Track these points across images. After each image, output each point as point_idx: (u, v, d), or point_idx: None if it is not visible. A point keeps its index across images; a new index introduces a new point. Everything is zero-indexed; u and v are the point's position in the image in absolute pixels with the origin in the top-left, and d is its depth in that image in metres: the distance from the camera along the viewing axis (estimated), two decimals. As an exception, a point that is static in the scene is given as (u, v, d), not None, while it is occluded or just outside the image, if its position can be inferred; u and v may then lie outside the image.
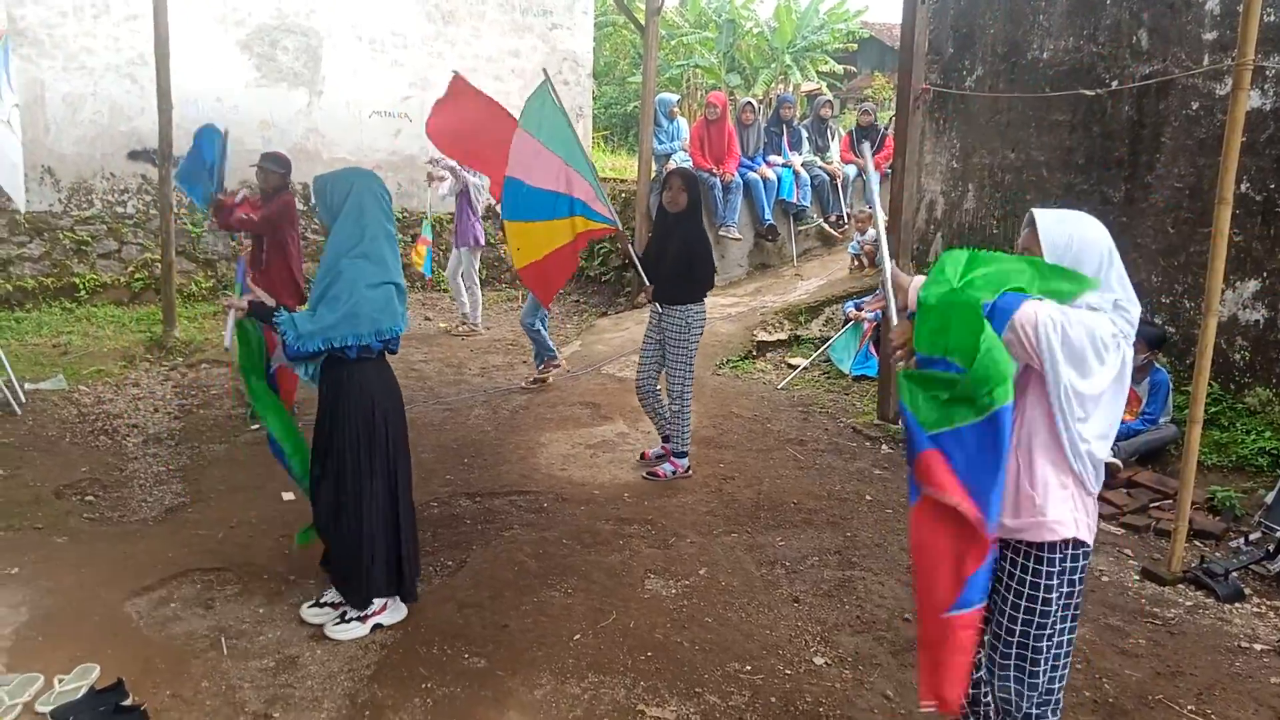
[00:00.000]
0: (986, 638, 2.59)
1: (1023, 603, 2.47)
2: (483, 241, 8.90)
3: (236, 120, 9.70)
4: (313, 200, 3.55)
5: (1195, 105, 6.02)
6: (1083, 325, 2.29)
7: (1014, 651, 2.50)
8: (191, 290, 9.43)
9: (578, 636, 3.70)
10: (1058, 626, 2.48)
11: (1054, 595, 2.46)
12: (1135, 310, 2.40)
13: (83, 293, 9.18)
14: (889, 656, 3.65)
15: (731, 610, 3.97)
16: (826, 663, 3.59)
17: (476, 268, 9.11)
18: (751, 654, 3.63)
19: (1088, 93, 5.66)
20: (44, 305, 8.95)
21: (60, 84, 8.90)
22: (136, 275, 9.47)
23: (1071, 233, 2.41)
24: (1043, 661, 2.48)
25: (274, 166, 6.15)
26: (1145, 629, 3.95)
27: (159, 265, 8.49)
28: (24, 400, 6.26)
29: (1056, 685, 2.53)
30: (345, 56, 10.30)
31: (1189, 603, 4.22)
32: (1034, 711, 2.50)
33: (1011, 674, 2.50)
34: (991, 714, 2.62)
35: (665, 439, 5.55)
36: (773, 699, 3.34)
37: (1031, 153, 7.40)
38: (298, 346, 3.39)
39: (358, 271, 3.43)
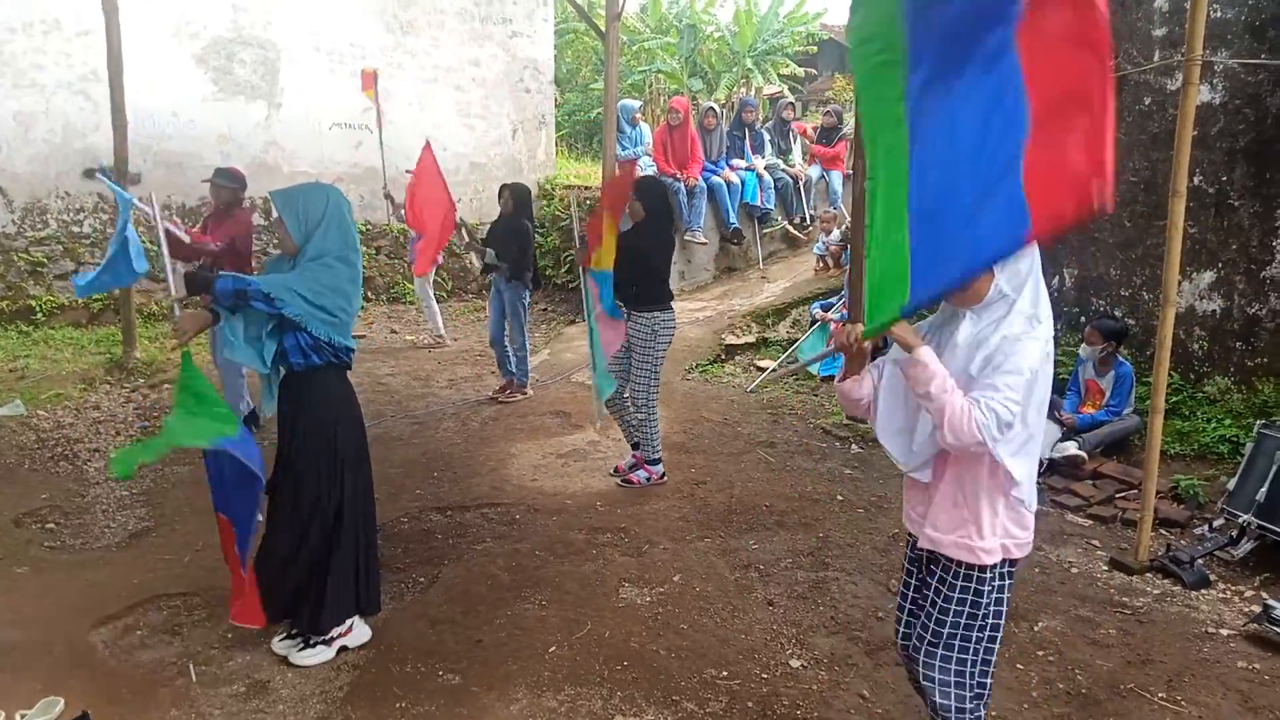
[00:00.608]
0: (915, 629, 2.66)
1: (952, 609, 2.52)
2: (439, 259, 9.07)
3: (194, 135, 9.62)
4: (274, 215, 3.42)
5: (1148, 100, 6.12)
6: (1012, 394, 2.27)
7: (940, 653, 2.55)
8: (152, 310, 9.27)
9: (553, 649, 3.68)
10: (988, 629, 2.55)
11: (986, 605, 2.52)
12: (1049, 319, 2.39)
13: (39, 315, 8.99)
14: (864, 656, 3.66)
15: (706, 616, 3.96)
16: (802, 665, 3.60)
17: (430, 282, 9.10)
18: (728, 659, 3.62)
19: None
20: (-1, 329, 8.77)
21: (10, 102, 8.72)
22: (95, 297, 9.29)
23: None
24: (971, 663, 2.55)
25: (226, 182, 6.05)
26: (1115, 619, 4.00)
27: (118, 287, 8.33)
28: (-20, 427, 6.12)
29: (988, 679, 2.62)
30: (304, 68, 10.19)
31: (1157, 591, 4.28)
32: (968, 708, 2.56)
33: (938, 672, 2.55)
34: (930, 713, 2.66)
35: (635, 446, 5.54)
36: (750, 704, 3.34)
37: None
38: (278, 299, 3.25)
39: (340, 275, 3.39)
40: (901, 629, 2.77)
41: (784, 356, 8.01)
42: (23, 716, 3.13)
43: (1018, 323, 2.33)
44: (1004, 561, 2.50)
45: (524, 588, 4.19)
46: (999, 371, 2.29)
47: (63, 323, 9.07)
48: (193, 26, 9.53)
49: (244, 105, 9.94)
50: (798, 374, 7.66)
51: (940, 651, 2.54)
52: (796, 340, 8.16)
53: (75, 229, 9.30)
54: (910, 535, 2.70)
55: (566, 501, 5.26)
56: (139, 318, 8.37)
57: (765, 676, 3.52)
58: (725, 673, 3.53)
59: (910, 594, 2.75)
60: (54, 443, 6.10)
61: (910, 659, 2.69)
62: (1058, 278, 6.90)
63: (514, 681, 3.45)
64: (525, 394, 7.26)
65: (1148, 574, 4.43)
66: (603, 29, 9.63)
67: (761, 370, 7.91)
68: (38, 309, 8.99)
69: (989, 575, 2.49)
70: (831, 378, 7.53)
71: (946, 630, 2.53)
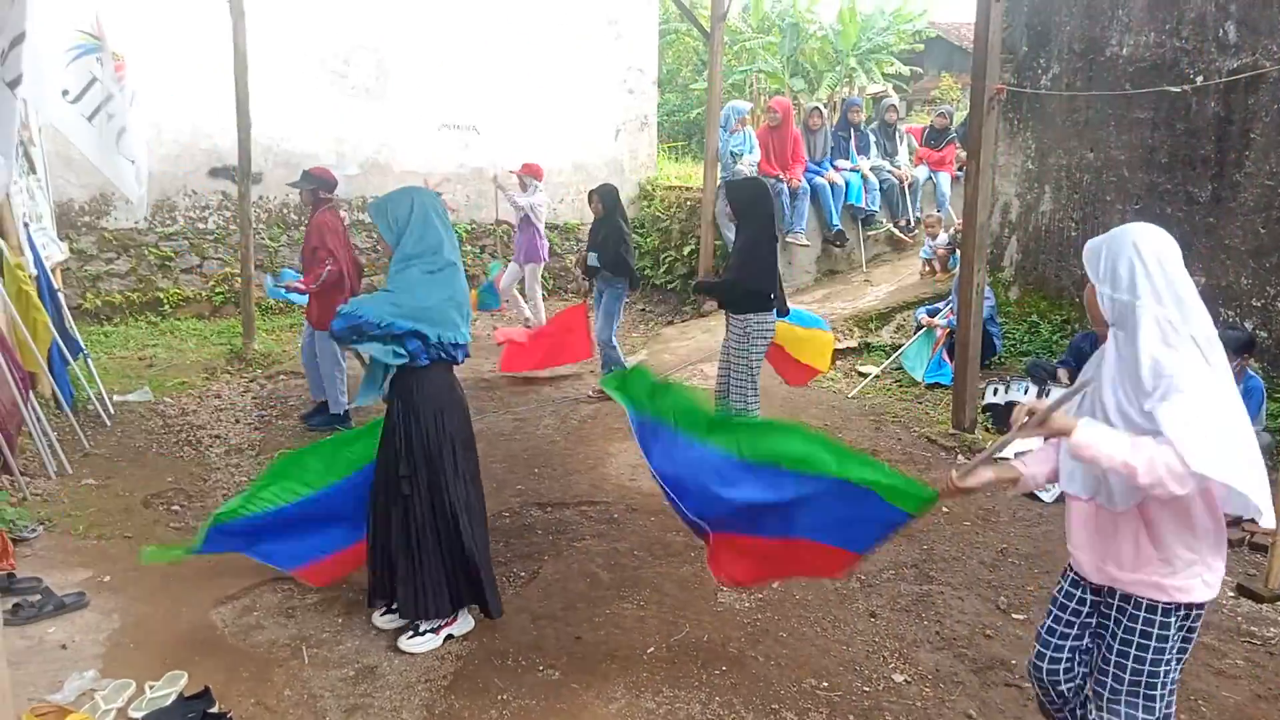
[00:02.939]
0: (1093, 674, 2.49)
1: (1133, 653, 2.34)
2: (547, 257, 9.30)
3: (312, 135, 9.99)
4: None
5: (1288, 100, 5.77)
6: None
7: (1126, 696, 2.37)
8: (269, 304, 9.68)
9: (651, 650, 3.69)
10: (1174, 666, 2.37)
11: (1170, 647, 2.33)
12: (1189, 312, 2.21)
13: (166, 307, 9.50)
14: (971, 675, 3.55)
15: (806, 625, 3.91)
16: (906, 680, 3.51)
17: (539, 279, 9.26)
18: (828, 670, 3.57)
19: (1174, 89, 5.47)
20: (130, 319, 9.29)
21: (144, 105, 9.22)
22: (217, 289, 9.77)
23: (1100, 250, 2.34)
24: (1159, 697, 2.37)
25: (303, 184, 6.32)
26: (1242, 649, 3.78)
27: (238, 279, 8.75)
28: (113, 412, 6.49)
29: (1171, 710, 2.44)
30: (414, 70, 10.47)
31: (1290, 622, 4.03)
32: None
33: (1125, 712, 2.38)
34: None
35: None
36: (851, 717, 3.28)
37: (1111, 152, 7.17)
38: (386, 322, 3.40)
39: (421, 279, 3.48)
40: (1045, 664, 2.58)
41: (887, 362, 7.85)
42: (151, 687, 3.30)
43: (1152, 333, 2.20)
44: (1194, 603, 2.30)
45: (623, 587, 4.21)
46: (1163, 400, 2.13)
47: (188, 314, 9.57)
48: (312, 31, 9.89)
49: (358, 106, 10.27)
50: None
51: (1125, 696, 2.36)
52: (901, 346, 7.98)
53: (200, 225, 9.78)
54: (1074, 568, 2.50)
55: (665, 502, 5.24)
56: (257, 311, 8.75)
57: (867, 690, 3.45)
58: (825, 683, 3.48)
59: (1062, 629, 2.55)
60: (179, 428, 6.43)
61: (1048, 691, 2.56)
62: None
63: (612, 680, 3.47)
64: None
65: (1278, 602, 4.17)
66: (707, 29, 9.64)
67: (863, 376, 7.77)
68: (165, 301, 9.50)
69: (1174, 617, 2.30)
70: (936, 385, 7.35)
71: (1129, 675, 2.34)
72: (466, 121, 10.82)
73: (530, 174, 9.01)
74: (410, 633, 3.69)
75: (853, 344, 8.43)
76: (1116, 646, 2.38)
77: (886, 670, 3.58)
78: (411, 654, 3.61)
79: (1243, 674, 3.59)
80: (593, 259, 7.11)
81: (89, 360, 6.60)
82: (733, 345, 5.28)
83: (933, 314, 7.89)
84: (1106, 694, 2.41)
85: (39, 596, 3.85)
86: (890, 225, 10.58)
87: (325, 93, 10.07)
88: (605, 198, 7.28)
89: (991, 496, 5.40)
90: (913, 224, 10.55)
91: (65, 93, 5.96)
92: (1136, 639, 2.33)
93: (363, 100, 10.30)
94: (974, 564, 4.52)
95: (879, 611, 4.03)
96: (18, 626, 3.66)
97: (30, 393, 5.55)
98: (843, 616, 3.99)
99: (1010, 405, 6.41)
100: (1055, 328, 7.77)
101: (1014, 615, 4.04)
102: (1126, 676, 2.36)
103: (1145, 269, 2.23)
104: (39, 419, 5.39)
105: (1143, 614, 2.33)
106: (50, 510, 4.90)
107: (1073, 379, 6.47)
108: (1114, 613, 2.40)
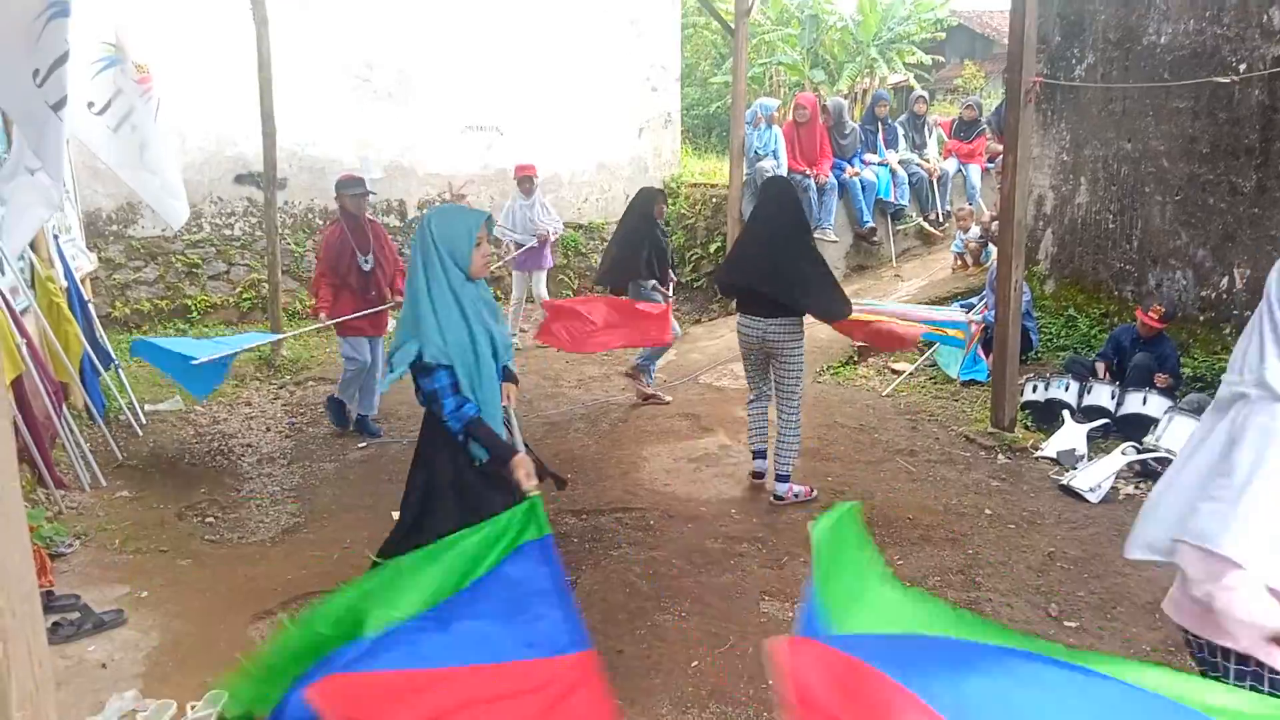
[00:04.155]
0: None
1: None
2: (552, 263, 9.31)
3: (335, 140, 9.97)
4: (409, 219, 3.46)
5: (1338, 85, 5.60)
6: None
7: None
8: (296, 309, 9.68)
9: (695, 663, 3.61)
10: None
11: None
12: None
13: (194, 313, 9.52)
14: (1025, 687, 3.45)
15: (853, 635, 3.82)
16: (958, 693, 3.41)
17: (544, 285, 9.13)
18: (878, 683, 3.47)
19: (1222, 80, 5.31)
20: (159, 326, 9.30)
21: (169, 114, 9.22)
22: (244, 295, 9.78)
23: None
24: None
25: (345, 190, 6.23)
26: None
27: (265, 285, 8.74)
28: (144, 422, 6.49)
29: None
30: (437, 73, 10.43)
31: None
32: None
33: None
34: None
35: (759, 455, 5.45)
36: (905, 733, 3.18)
37: (1150, 142, 7.01)
38: (405, 363, 3.21)
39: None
40: None
41: (922, 359, 7.73)
42: (192, 708, 3.27)
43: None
44: None
45: (663, 597, 4.14)
46: None
47: (215, 321, 9.58)
48: (335, 36, 9.87)
49: (381, 110, 10.24)
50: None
51: None
52: (935, 342, 7.84)
53: (226, 232, 9.79)
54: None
55: (701, 508, 5.19)
56: (285, 316, 8.74)
57: (919, 703, 3.35)
58: (876, 697, 3.39)
59: None
60: (210, 437, 6.42)
61: None
62: (1227, 278, 6.41)
63: (657, 696, 3.40)
64: (648, 390, 7.20)
65: None
66: (731, 25, 9.53)
67: (897, 374, 7.65)
68: (193, 308, 9.52)
69: None
70: (973, 381, 7.23)
71: None
72: (490, 123, 10.76)
73: (530, 174, 8.75)
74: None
75: (884, 341, 8.30)
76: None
77: (938, 683, 3.48)
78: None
79: None
80: (647, 287, 6.99)
81: (119, 370, 6.61)
82: (791, 344, 5.09)
83: (967, 308, 7.75)
84: None
85: (78, 614, 3.83)
86: (920, 219, 10.44)
87: (348, 98, 10.04)
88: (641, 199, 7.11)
89: (1036, 496, 5.29)
90: (943, 218, 10.41)
91: (90, 104, 5.96)
92: None
93: (386, 104, 10.26)
94: (1021, 569, 4.42)
95: (927, 621, 3.94)
96: (57, 645, 3.63)
97: (63, 404, 5.56)
98: (889, 626, 3.89)
99: (1050, 402, 6.29)
100: (1093, 321, 7.62)
101: (1066, 623, 3.93)
102: None
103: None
104: (72, 430, 5.39)
105: None
106: (85, 524, 4.89)
107: (1111, 373, 6.34)
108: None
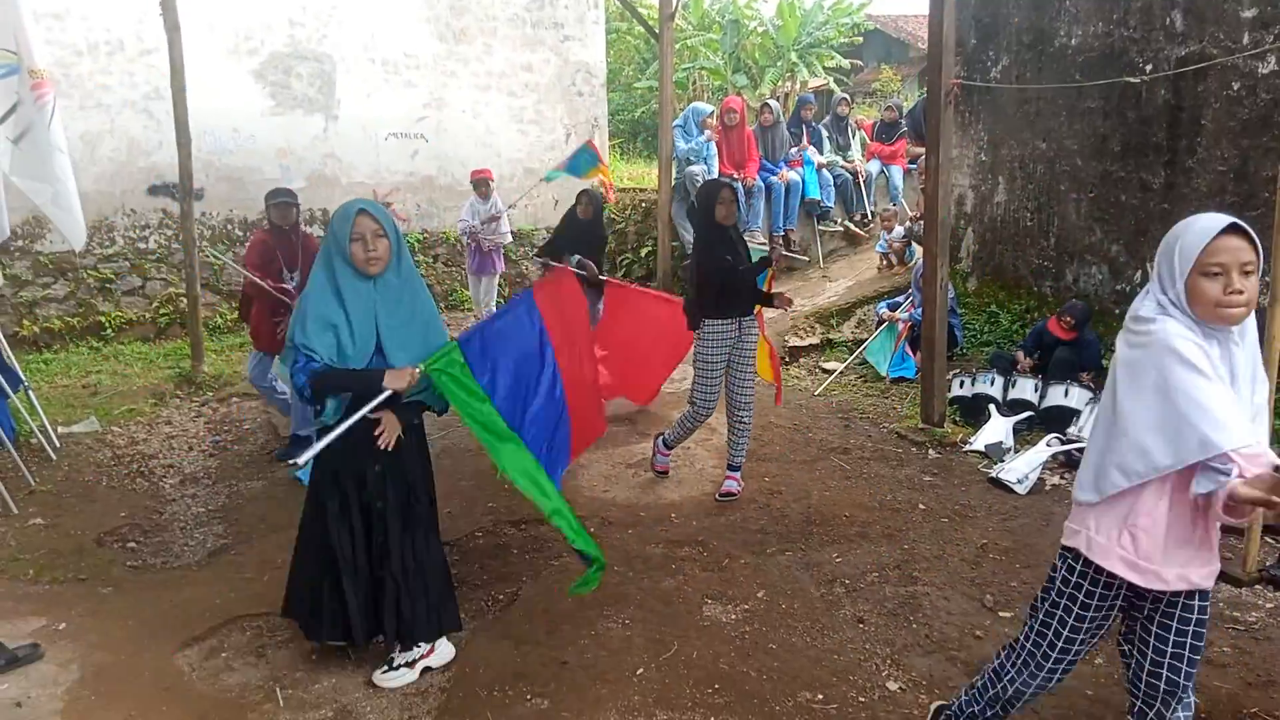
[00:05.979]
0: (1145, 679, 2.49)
1: (1189, 641, 2.44)
2: (503, 268, 9.21)
3: (254, 149, 9.71)
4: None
5: (1236, 86, 5.85)
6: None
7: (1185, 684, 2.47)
8: (217, 323, 9.38)
9: (640, 670, 3.59)
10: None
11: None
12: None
13: (109, 331, 9.15)
14: (964, 678, 3.50)
15: (795, 635, 3.84)
16: (900, 688, 3.46)
17: (495, 293, 9.09)
18: (822, 681, 3.50)
19: (1131, 80, 5.51)
20: (71, 345, 8.92)
21: (78, 123, 8.86)
22: (161, 310, 9.44)
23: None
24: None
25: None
26: (1228, 635, 3.80)
27: (184, 300, 8.46)
28: (58, 445, 6.21)
29: None
30: (359, 79, 10.24)
31: (1270, 604, 4.06)
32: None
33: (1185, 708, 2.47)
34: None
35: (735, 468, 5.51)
36: (850, 730, 3.21)
37: (1064, 141, 7.24)
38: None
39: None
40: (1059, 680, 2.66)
41: (851, 358, 7.84)
42: (117, 744, 3.12)
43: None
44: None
45: (606, 605, 4.10)
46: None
47: (131, 338, 9.22)
48: (250, 43, 9.61)
49: (302, 118, 10.01)
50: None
51: (1186, 684, 2.45)
52: (863, 341, 7.98)
53: (141, 245, 9.43)
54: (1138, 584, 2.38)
55: (640, 513, 5.17)
56: (205, 331, 8.47)
57: (863, 700, 3.39)
58: (820, 696, 3.41)
59: (1086, 649, 2.60)
60: (129, 459, 6.17)
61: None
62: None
63: (604, 705, 3.36)
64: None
65: (1257, 586, 4.22)
66: (655, 30, 9.57)
67: (828, 373, 7.75)
68: (107, 325, 9.15)
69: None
70: (902, 379, 7.36)
71: (1186, 665, 2.43)
72: (415, 130, 10.60)
73: (486, 178, 8.72)
74: (385, 667, 3.54)
75: (815, 340, 8.42)
76: (1189, 642, 2.41)
77: (880, 679, 3.52)
78: (389, 689, 3.47)
79: (1232, 661, 3.60)
80: (573, 261, 6.86)
81: (30, 392, 6.31)
82: (749, 347, 5.26)
83: (893, 308, 7.90)
84: (1179, 690, 2.44)
85: (-11, 651, 3.63)
86: (845, 220, 10.60)
87: (266, 105, 9.79)
88: (596, 200, 7.21)
89: (967, 490, 5.40)
90: (868, 218, 10.59)
91: None
92: (1192, 628, 2.40)
93: (306, 112, 10.03)
94: (956, 561, 4.50)
95: (866, 617, 3.98)
96: (-32, 685, 3.44)
97: (-31, 431, 5.28)
98: (830, 624, 3.93)
99: (977, 397, 6.44)
100: (1015, 317, 7.83)
101: (1001, 613, 4.01)
102: (1184, 667, 2.42)
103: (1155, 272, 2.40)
104: (-21, 458, 5.13)
105: (1196, 601, 2.41)
106: (-4, 555, 4.65)
107: (1033, 366, 6.52)
108: (1168, 612, 2.43)
